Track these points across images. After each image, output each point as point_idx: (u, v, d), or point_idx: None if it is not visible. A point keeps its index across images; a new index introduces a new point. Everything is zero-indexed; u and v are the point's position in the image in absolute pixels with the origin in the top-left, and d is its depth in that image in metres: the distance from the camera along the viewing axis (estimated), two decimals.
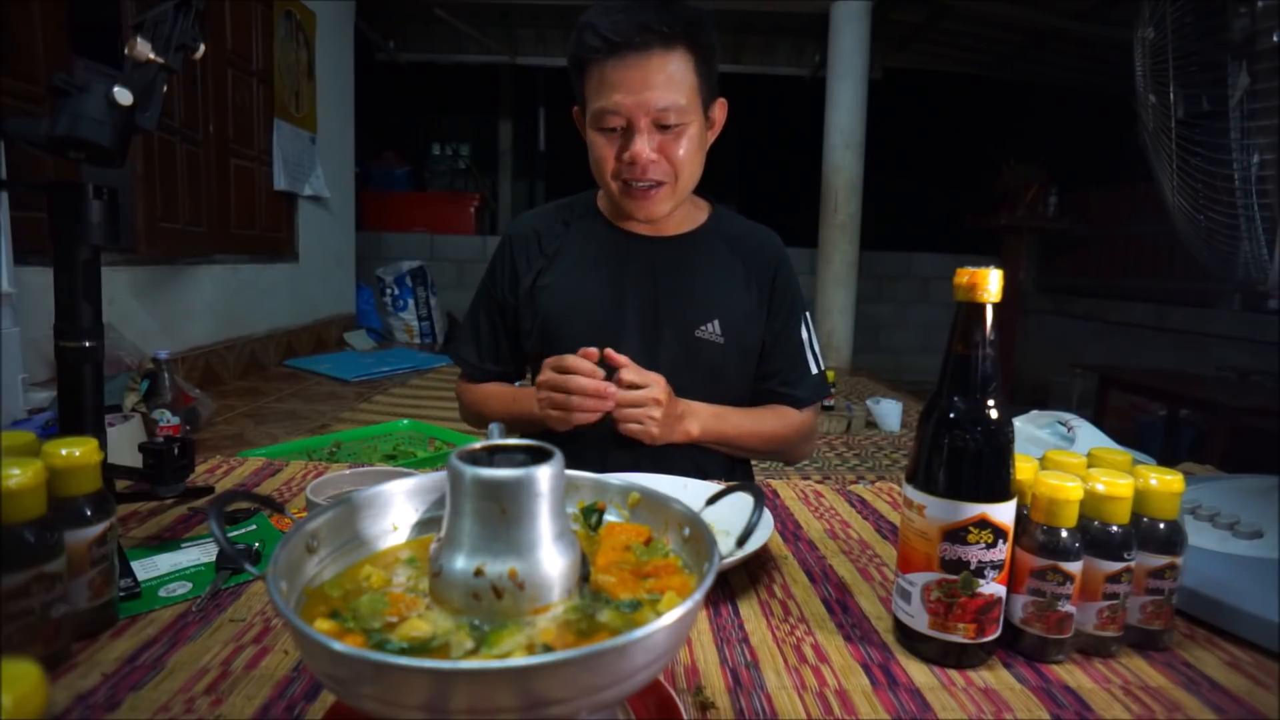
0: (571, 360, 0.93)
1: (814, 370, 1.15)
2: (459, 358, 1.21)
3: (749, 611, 0.64)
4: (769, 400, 1.14)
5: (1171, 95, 0.88)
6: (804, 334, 1.15)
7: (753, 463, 1.25)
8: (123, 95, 0.67)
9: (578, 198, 1.19)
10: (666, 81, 0.94)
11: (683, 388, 1.07)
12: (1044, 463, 0.62)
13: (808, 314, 1.16)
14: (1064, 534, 0.55)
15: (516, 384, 1.25)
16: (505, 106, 7.03)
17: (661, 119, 0.96)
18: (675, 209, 1.06)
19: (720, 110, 1.06)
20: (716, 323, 1.08)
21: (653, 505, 0.51)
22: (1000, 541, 0.54)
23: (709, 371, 1.08)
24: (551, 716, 0.32)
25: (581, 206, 1.16)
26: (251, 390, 3.46)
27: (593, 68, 0.97)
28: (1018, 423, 1.19)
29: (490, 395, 1.18)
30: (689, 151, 0.99)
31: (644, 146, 0.96)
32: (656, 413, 0.94)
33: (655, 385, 0.95)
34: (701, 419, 1.03)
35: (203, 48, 0.75)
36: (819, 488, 0.99)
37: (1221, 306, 4.30)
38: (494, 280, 1.17)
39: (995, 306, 0.55)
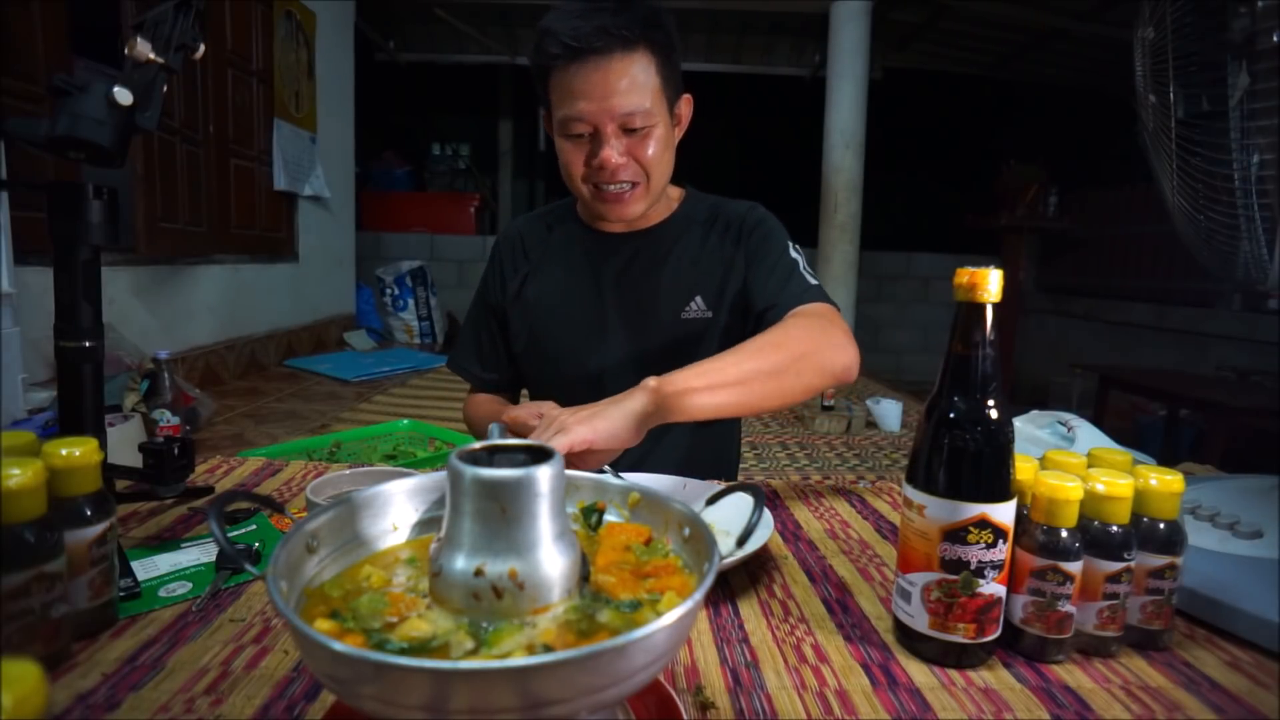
0: (524, 420, 0.86)
1: (813, 281, 1.03)
2: (461, 370, 1.21)
3: (749, 611, 0.64)
4: (769, 315, 1.01)
5: (1171, 95, 0.88)
6: (794, 254, 1.05)
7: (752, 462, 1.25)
8: (123, 95, 0.67)
9: (560, 203, 1.19)
10: (629, 85, 0.94)
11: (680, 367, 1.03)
12: (1044, 463, 0.62)
13: (795, 244, 1.08)
14: (1064, 534, 0.55)
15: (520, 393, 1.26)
16: (505, 106, 7.03)
17: (627, 123, 0.95)
18: (649, 208, 1.06)
19: (686, 107, 1.05)
20: (699, 299, 1.08)
21: (653, 505, 0.51)
22: (1000, 541, 0.54)
23: (700, 350, 1.07)
24: (551, 716, 0.32)
25: (562, 211, 1.18)
26: (251, 390, 3.46)
27: (555, 75, 0.96)
28: (1018, 423, 1.19)
29: (477, 415, 1.18)
30: (657, 152, 0.99)
31: (612, 152, 0.96)
32: (549, 419, 0.79)
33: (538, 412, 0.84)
34: (664, 377, 0.83)
35: (203, 48, 0.75)
36: (819, 488, 0.99)
37: (1221, 306, 4.30)
38: (487, 287, 1.18)
39: (995, 306, 0.54)
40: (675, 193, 1.16)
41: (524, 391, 1.27)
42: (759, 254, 1.07)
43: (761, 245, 1.07)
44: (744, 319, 1.07)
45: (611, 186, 1.00)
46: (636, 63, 0.94)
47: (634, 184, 1.00)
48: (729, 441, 1.21)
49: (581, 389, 1.07)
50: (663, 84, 0.98)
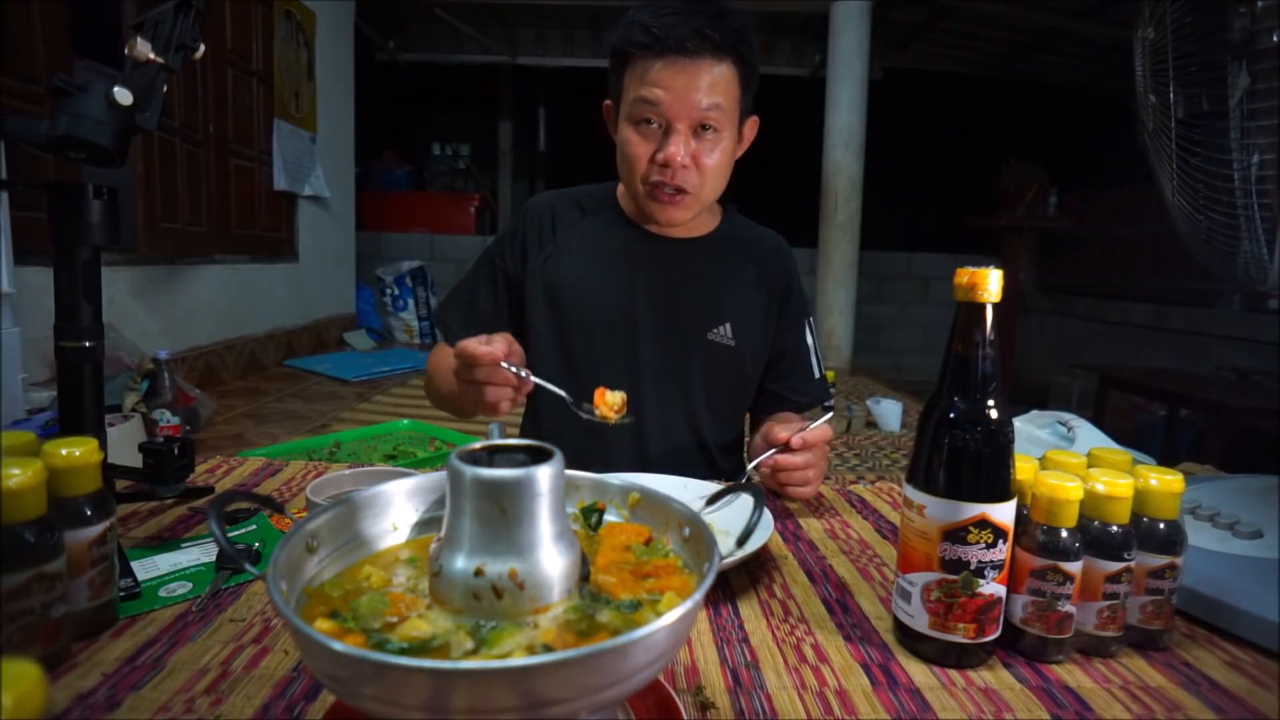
0: (473, 350, 0.79)
1: (816, 375, 1.16)
2: (443, 324, 1.14)
3: (749, 611, 0.64)
4: (772, 401, 1.15)
5: (1171, 95, 0.88)
6: (809, 339, 1.16)
7: None
8: (123, 95, 0.67)
9: (598, 188, 1.17)
10: (711, 85, 0.94)
11: (694, 389, 1.08)
12: (1044, 463, 0.62)
13: (811, 319, 1.17)
14: (1064, 534, 0.55)
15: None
16: (505, 106, 7.03)
17: (703, 119, 0.95)
18: (693, 217, 1.06)
19: (751, 128, 1.06)
20: (728, 325, 1.07)
21: (653, 505, 0.51)
22: (1000, 541, 0.54)
23: (719, 374, 1.09)
24: (551, 717, 0.32)
25: (601, 198, 1.15)
26: (251, 390, 3.46)
27: (638, 63, 0.96)
28: (1018, 423, 1.19)
29: (439, 368, 1.07)
30: (718, 163, 0.99)
31: (679, 149, 0.95)
32: (820, 469, 0.91)
33: (822, 446, 0.90)
34: None
35: (203, 48, 0.75)
36: (819, 488, 0.99)
37: (1221, 306, 4.30)
38: (502, 250, 1.13)
39: (995, 306, 0.54)
40: (716, 208, 1.15)
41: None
42: (791, 328, 1.14)
43: (794, 315, 1.14)
44: (756, 359, 1.12)
45: (667, 187, 0.98)
46: (722, 71, 0.95)
47: (685, 191, 0.99)
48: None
49: (590, 381, 1.06)
50: (740, 99, 0.98)
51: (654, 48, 0.93)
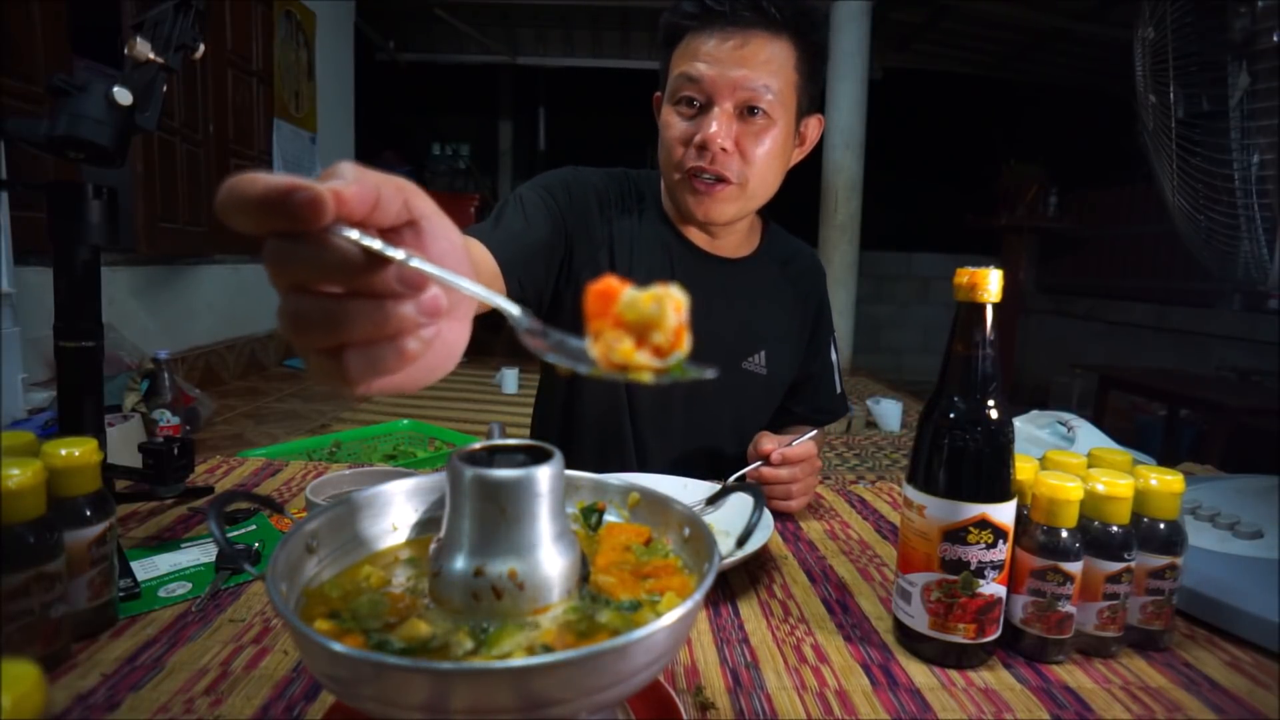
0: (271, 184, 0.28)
1: (838, 390, 1.14)
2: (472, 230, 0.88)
3: (749, 611, 0.64)
4: (793, 419, 1.12)
5: (1171, 95, 0.88)
6: (833, 356, 1.13)
7: None
8: (123, 95, 0.67)
9: (642, 177, 1.04)
10: (763, 63, 0.84)
11: (723, 418, 1.04)
12: (1044, 463, 0.62)
13: (834, 335, 1.14)
14: (1064, 534, 0.55)
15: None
16: (505, 106, 7.04)
17: (750, 100, 0.85)
18: (738, 220, 0.96)
19: (814, 128, 0.96)
20: (762, 354, 1.03)
21: (653, 505, 0.51)
22: (1000, 542, 0.54)
23: (749, 402, 1.05)
24: (551, 717, 0.32)
25: (646, 191, 1.03)
26: (251, 390, 3.46)
27: (686, 39, 0.87)
28: (1018, 423, 1.19)
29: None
30: (767, 154, 0.88)
31: (720, 129, 0.84)
32: (806, 484, 0.87)
33: (808, 461, 0.86)
34: None
35: (203, 48, 0.75)
36: (819, 488, 0.99)
37: (1221, 306, 4.30)
38: (571, 202, 0.95)
39: (995, 306, 0.54)
40: (758, 224, 1.07)
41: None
42: (819, 349, 1.11)
43: (822, 341, 1.11)
44: (785, 385, 1.09)
45: (705, 175, 0.88)
46: (776, 47, 0.85)
47: (727, 181, 0.88)
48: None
49: (614, 404, 1.01)
50: (798, 83, 0.89)
51: (703, 18, 0.85)
